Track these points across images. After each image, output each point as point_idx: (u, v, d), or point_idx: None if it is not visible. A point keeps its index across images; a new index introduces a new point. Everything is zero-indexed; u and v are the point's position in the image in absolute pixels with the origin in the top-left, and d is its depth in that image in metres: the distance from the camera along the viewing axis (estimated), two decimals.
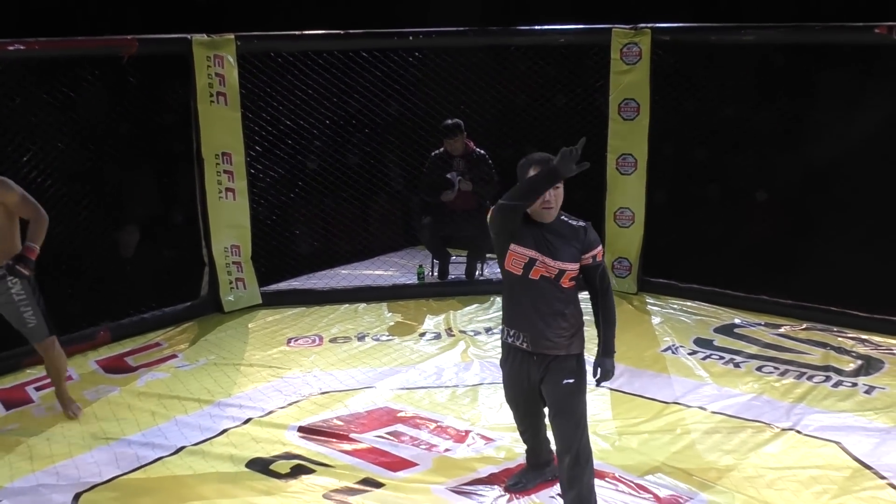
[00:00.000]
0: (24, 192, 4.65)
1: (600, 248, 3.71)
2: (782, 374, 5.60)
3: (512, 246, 3.66)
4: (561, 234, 3.65)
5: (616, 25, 7.03)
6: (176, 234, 7.67)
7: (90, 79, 6.94)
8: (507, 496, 4.13)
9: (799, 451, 4.57)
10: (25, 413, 5.22)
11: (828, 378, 5.52)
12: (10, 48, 5.78)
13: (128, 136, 7.46)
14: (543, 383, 3.75)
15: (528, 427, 4.10)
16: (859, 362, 5.78)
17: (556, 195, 3.61)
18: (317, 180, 7.94)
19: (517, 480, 4.20)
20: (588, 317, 3.77)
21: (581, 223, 3.70)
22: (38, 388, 5.53)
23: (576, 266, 3.67)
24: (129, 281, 7.31)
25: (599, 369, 3.78)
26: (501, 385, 5.16)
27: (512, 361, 3.86)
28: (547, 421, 3.87)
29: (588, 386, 3.79)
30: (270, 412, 5.15)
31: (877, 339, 6.19)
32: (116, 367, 5.92)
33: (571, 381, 3.69)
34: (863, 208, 6.72)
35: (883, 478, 4.27)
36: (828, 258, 6.75)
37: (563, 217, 3.69)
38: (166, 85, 7.31)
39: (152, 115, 7.44)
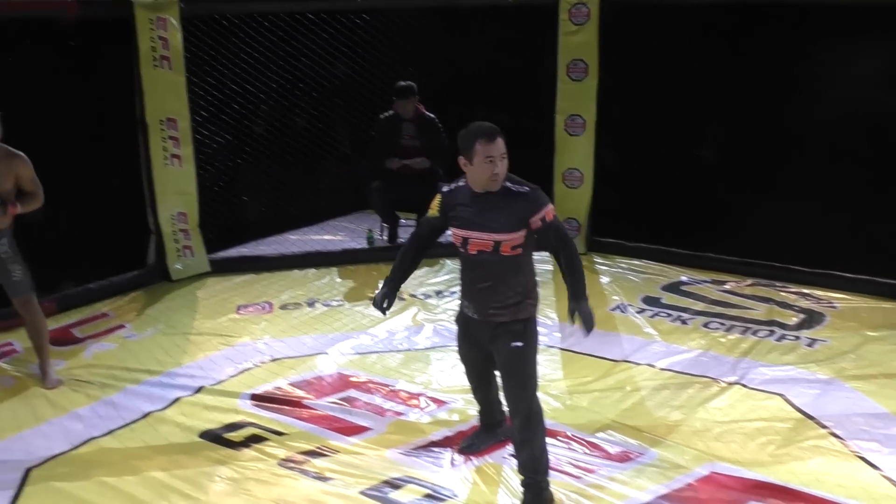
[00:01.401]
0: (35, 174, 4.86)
1: (547, 208, 3.63)
2: (728, 329, 5.72)
3: (450, 228, 3.77)
4: (498, 205, 3.61)
5: None
6: (120, 203, 7.52)
7: (29, 43, 6.74)
8: (462, 458, 4.17)
9: (745, 404, 4.68)
10: None
11: (772, 332, 5.65)
12: None
13: (68, 101, 7.26)
14: (493, 347, 3.78)
15: (480, 387, 4.14)
16: (802, 316, 5.93)
17: (503, 166, 3.59)
18: (264, 145, 7.84)
19: (470, 442, 4.25)
20: (545, 277, 3.80)
21: (524, 188, 3.65)
22: None
23: (515, 235, 3.61)
24: (73, 251, 7.16)
25: (578, 316, 3.69)
26: (452, 349, 5.22)
27: (464, 325, 3.94)
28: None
29: (539, 347, 3.83)
30: (222, 381, 5.12)
31: (818, 293, 6.35)
32: (63, 338, 5.81)
33: (520, 344, 3.71)
34: (804, 164, 6.83)
35: (825, 427, 4.40)
36: (771, 215, 6.86)
37: (506, 184, 3.63)
38: (108, 49, 7.12)
39: (94, 79, 7.25)
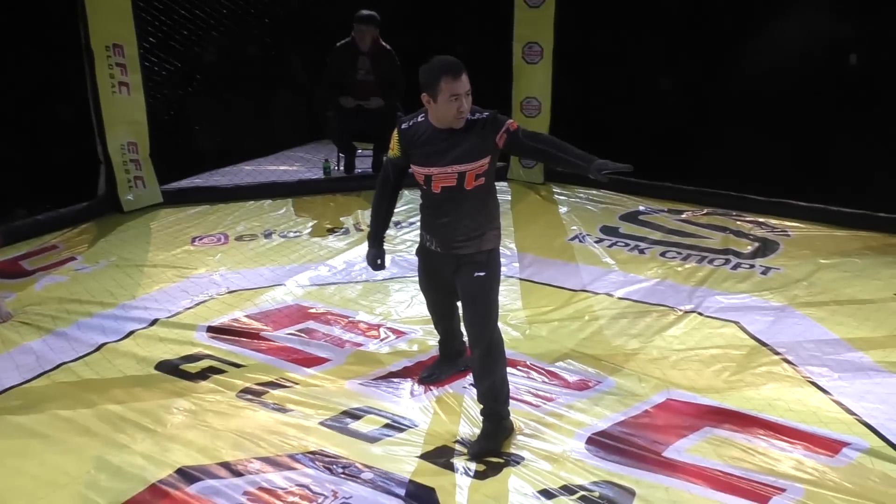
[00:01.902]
0: None
1: (510, 121, 3.54)
2: (685, 258, 5.77)
3: (411, 166, 3.67)
4: (461, 136, 3.52)
5: None
6: (66, 132, 7.30)
7: None
8: (421, 388, 4.17)
9: (701, 332, 4.75)
10: None
11: (727, 261, 5.72)
12: None
13: (7, 27, 6.99)
14: (456, 277, 3.75)
15: (441, 318, 4.13)
16: (756, 244, 6.01)
17: (468, 103, 3.50)
18: (215, 74, 7.64)
19: (430, 372, 4.26)
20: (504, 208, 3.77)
21: (484, 113, 3.55)
22: None
23: (480, 163, 3.54)
24: (21, 182, 6.97)
25: (600, 171, 3.45)
26: (411, 280, 5.21)
27: (425, 257, 3.90)
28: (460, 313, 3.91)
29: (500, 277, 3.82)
30: (177, 313, 5.05)
31: (773, 221, 6.43)
32: (11, 271, 5.67)
33: (482, 273, 3.69)
34: (762, 93, 6.84)
35: (777, 353, 4.49)
36: (727, 144, 6.89)
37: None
38: None
39: (35, 4, 6.96)
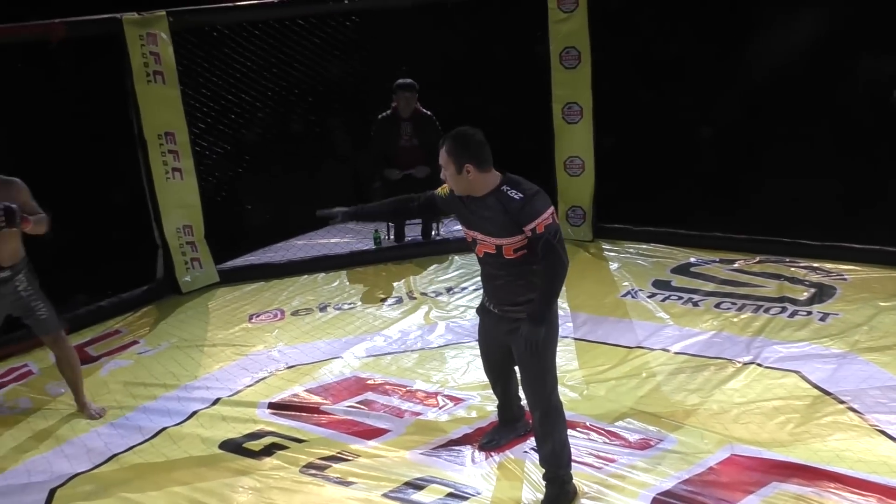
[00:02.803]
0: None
1: (539, 219, 3.47)
2: (740, 308, 5.72)
3: (461, 226, 3.77)
4: (494, 210, 3.54)
5: None
6: (124, 219, 7.54)
7: (20, 66, 6.75)
8: (482, 454, 4.17)
9: (761, 383, 4.68)
10: None
11: (784, 309, 5.64)
12: None
13: (64, 123, 7.28)
14: (511, 340, 3.78)
15: (498, 379, 4.14)
16: (812, 290, 5.92)
17: (445, 175, 3.59)
18: (263, 152, 7.85)
19: (490, 438, 4.26)
20: None
21: (519, 195, 3.50)
22: None
23: (514, 239, 3.54)
24: (81, 270, 7.18)
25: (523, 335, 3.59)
26: (467, 346, 5.25)
27: (483, 317, 3.94)
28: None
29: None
30: (238, 391, 5.14)
31: (828, 265, 6.33)
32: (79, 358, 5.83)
33: (538, 338, 3.71)
34: (803, 137, 6.81)
35: (842, 402, 4.40)
36: (775, 189, 6.85)
37: (503, 188, 3.54)
38: (99, 66, 7.13)
39: (89, 98, 7.26)
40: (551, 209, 3.54)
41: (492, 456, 4.16)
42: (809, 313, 5.55)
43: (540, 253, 3.51)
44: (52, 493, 4.18)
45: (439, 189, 3.85)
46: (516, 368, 3.95)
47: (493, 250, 3.62)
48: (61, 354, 4.95)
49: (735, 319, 5.56)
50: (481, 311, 3.96)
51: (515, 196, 3.51)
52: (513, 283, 3.66)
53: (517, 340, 3.72)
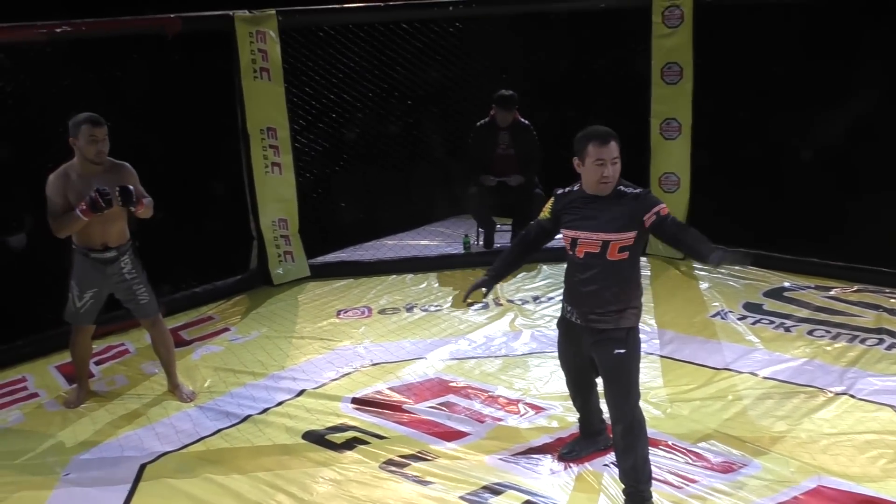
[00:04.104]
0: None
1: (661, 205, 3.66)
2: (834, 337, 5.56)
3: (561, 230, 3.82)
4: (610, 206, 3.66)
5: None
6: (223, 209, 7.76)
7: (135, 57, 7.02)
8: (561, 464, 4.17)
9: (853, 415, 4.55)
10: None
11: (881, 341, 5.47)
12: (59, 30, 5.87)
13: (172, 113, 7.54)
14: (595, 352, 3.78)
15: (580, 395, 4.14)
16: None
17: (614, 170, 3.64)
18: (360, 152, 7.99)
19: (570, 449, 4.25)
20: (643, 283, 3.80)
21: (638, 190, 3.70)
22: (97, 363, 5.67)
23: (626, 235, 3.64)
24: (179, 256, 7.41)
25: (718, 263, 3.61)
26: (550, 355, 5.24)
27: (565, 330, 3.95)
28: (600, 390, 3.91)
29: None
30: (323, 384, 5.24)
31: None
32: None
33: (622, 351, 3.71)
34: None
35: None
36: (878, 217, 6.63)
37: (619, 187, 3.69)
38: (209, 61, 7.36)
39: (196, 91, 7.51)
40: None
41: (570, 467, 4.14)
42: None
43: (675, 230, 3.67)
44: (142, 468, 4.34)
45: (542, 213, 3.91)
46: (598, 381, 3.94)
47: (598, 249, 3.66)
48: (158, 337, 5.12)
49: (828, 348, 5.41)
50: (562, 324, 3.96)
51: (635, 190, 3.69)
52: (606, 288, 3.68)
53: (603, 352, 3.72)
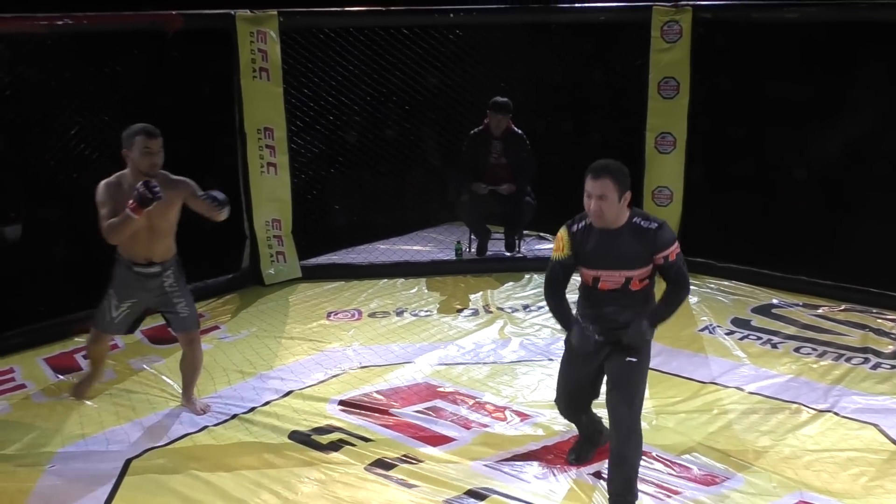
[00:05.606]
0: None
1: (673, 248, 3.70)
2: (820, 355, 5.60)
3: (580, 267, 3.84)
4: (626, 241, 3.68)
5: (657, 3, 7.00)
6: None
7: (135, 52, 7.03)
8: (546, 472, 4.19)
9: (837, 433, 4.58)
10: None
11: (866, 360, 5.51)
12: (59, 22, 5.88)
13: (170, 109, 7.54)
14: (607, 361, 3.85)
15: (577, 409, 4.16)
16: None
17: (597, 206, 3.62)
18: (356, 155, 8.01)
19: (577, 454, 4.27)
20: None
21: (653, 224, 3.71)
22: (85, 357, 5.64)
23: (644, 270, 3.73)
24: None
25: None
26: (538, 363, 5.28)
27: (577, 348, 3.97)
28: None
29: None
30: (311, 385, 5.25)
31: None
32: (161, 337, 5.98)
33: (634, 360, 3.77)
34: None
35: None
36: (867, 238, 6.68)
37: (634, 220, 3.70)
38: (208, 59, 7.38)
39: (194, 89, 7.52)
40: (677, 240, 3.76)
41: (555, 474, 4.16)
42: (893, 367, 5.40)
43: (672, 279, 3.75)
44: (127, 462, 4.34)
45: (557, 253, 3.87)
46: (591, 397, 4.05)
47: (620, 285, 3.72)
48: (190, 355, 4.96)
49: (814, 365, 5.45)
50: (576, 341, 3.93)
51: (649, 226, 3.69)
52: (623, 310, 3.78)
53: (615, 359, 3.80)
